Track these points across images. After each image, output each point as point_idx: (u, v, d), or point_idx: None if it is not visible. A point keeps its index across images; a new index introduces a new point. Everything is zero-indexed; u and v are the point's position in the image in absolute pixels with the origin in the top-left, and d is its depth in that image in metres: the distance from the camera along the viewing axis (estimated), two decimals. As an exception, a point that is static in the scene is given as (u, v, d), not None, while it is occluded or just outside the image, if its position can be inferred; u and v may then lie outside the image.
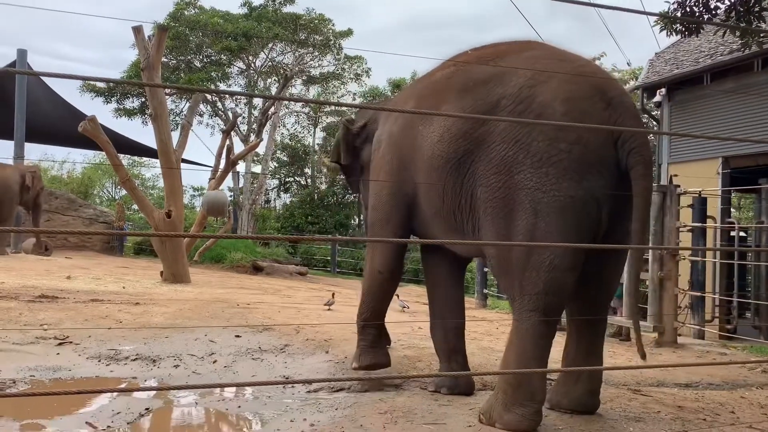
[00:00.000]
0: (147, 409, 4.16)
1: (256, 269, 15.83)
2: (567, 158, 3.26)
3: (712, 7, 7.61)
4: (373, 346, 4.64)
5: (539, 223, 3.33)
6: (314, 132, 27.98)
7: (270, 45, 23.45)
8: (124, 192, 22.28)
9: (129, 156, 26.82)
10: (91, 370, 4.90)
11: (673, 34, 7.98)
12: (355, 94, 25.78)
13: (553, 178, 3.28)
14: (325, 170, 26.23)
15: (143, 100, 21.24)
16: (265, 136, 23.76)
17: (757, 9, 7.49)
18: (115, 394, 4.44)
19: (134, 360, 5.15)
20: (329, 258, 20.85)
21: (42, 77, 16.37)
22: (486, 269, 11.33)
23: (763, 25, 8.01)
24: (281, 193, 28.32)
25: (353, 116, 5.36)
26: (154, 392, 4.59)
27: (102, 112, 25.65)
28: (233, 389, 4.66)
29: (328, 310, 8.19)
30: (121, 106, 23.09)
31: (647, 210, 3.36)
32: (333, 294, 8.98)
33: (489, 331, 6.88)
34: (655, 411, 4.05)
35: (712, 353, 6.82)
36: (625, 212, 3.40)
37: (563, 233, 3.28)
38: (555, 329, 3.55)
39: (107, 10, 55.17)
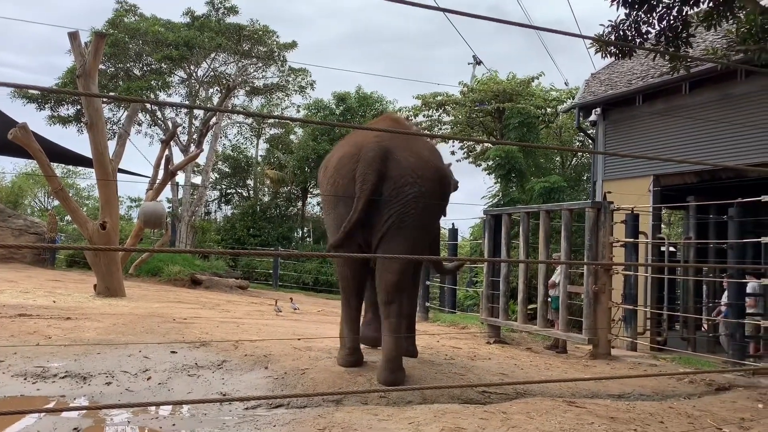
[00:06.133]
0: (76, 429, 4.00)
1: (195, 283, 15.49)
2: (329, 194, 5.32)
3: (643, 31, 7.96)
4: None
5: (329, 234, 5.49)
6: (257, 143, 27.72)
7: (212, 55, 23.15)
8: (57, 202, 21.47)
9: (63, 165, 25.92)
10: (16, 388, 4.68)
11: (608, 56, 8.31)
12: (299, 106, 25.71)
13: (326, 208, 5.58)
14: (268, 182, 25.95)
15: (78, 107, 20.59)
16: (206, 146, 23.35)
17: (684, 35, 7.87)
18: (41, 414, 4.25)
19: (63, 377, 4.95)
20: (271, 271, 20.60)
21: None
22: (428, 282, 11.42)
23: (690, 51, 8.41)
24: (222, 204, 27.87)
25: None
26: (84, 411, 4.41)
27: (35, 119, 24.81)
28: (169, 407, 4.53)
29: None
30: (56, 114, 22.31)
31: (349, 224, 4.99)
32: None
33: (429, 345, 6.92)
34: (589, 422, 4.15)
35: (643, 365, 7.05)
36: (389, 229, 5.04)
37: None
38: (353, 305, 5.46)
39: (40, 14, 53.39)
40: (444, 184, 5.54)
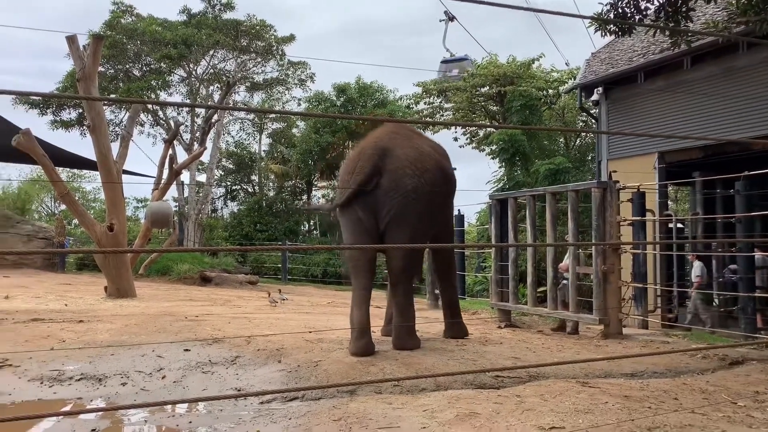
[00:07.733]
0: (93, 430, 4.04)
1: (205, 280, 15.54)
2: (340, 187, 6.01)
3: (642, 8, 7.88)
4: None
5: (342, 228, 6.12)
6: (260, 139, 27.71)
7: (211, 52, 23.12)
8: (64, 206, 21.55)
9: (68, 169, 26.00)
10: (32, 393, 4.73)
11: (607, 34, 8.24)
12: (300, 99, 25.65)
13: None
14: (272, 176, 25.96)
15: (80, 111, 20.64)
16: (209, 144, 23.37)
17: (684, 9, 7.79)
18: (59, 417, 4.29)
19: (79, 380, 4.99)
20: (280, 266, 20.64)
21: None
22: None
23: (691, 25, 8.33)
24: (228, 201, 27.91)
25: None
26: (101, 413, 4.45)
27: (37, 124, 24.87)
28: (185, 405, 4.56)
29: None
30: (58, 118, 22.37)
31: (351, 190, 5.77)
32: (279, 290, 9.56)
33: (441, 331, 6.94)
34: (603, 402, 4.15)
35: (655, 342, 7.04)
36: (392, 218, 5.67)
37: (347, 228, 5.88)
38: (363, 285, 5.73)
39: (31, 19, 53.23)
40: (447, 177, 6.21)
